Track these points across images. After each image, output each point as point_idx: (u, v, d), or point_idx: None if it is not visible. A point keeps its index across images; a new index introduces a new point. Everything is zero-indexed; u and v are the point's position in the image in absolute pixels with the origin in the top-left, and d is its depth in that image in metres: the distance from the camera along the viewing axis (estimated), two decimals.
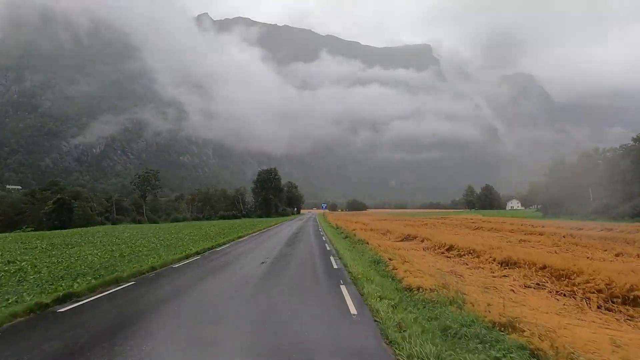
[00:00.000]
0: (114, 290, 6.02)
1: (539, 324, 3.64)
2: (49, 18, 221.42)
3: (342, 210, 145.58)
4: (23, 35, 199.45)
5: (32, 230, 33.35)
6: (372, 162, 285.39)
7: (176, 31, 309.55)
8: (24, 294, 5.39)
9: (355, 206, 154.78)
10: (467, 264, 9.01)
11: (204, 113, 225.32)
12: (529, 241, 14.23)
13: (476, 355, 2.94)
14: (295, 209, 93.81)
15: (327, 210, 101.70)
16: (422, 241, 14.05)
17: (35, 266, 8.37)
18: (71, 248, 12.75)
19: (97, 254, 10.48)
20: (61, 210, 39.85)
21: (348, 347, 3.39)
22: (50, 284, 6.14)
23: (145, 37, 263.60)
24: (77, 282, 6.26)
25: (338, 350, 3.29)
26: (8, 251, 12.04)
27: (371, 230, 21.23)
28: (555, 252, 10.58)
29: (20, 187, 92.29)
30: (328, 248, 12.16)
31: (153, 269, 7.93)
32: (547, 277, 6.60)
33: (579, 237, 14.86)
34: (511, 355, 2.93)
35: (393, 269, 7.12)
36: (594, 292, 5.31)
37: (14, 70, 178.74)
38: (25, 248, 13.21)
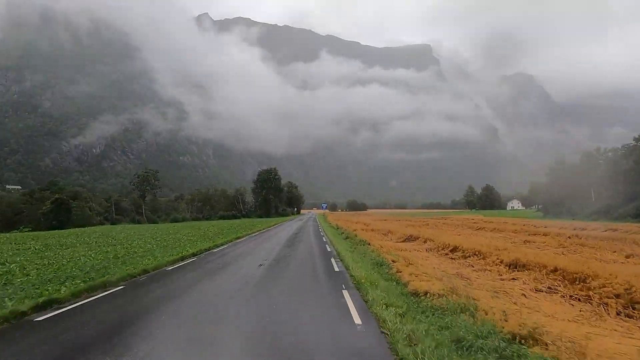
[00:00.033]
0: (100, 295, 5.65)
1: (562, 334, 3.32)
2: (49, 18, 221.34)
3: (342, 211, 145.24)
4: (23, 35, 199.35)
5: (29, 231, 33.06)
6: (372, 162, 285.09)
7: (176, 31, 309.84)
8: (6, 299, 5.07)
9: (356, 206, 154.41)
10: (473, 266, 8.69)
11: (204, 113, 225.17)
12: (533, 242, 13.93)
13: None
14: (295, 209, 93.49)
15: (327, 211, 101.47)
16: (425, 242, 13.73)
17: (25, 268, 8.06)
18: (65, 249, 12.44)
19: (91, 256, 10.17)
20: (59, 211, 39.56)
21: None
22: (37, 288, 5.83)
23: (145, 37, 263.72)
24: (65, 286, 5.95)
25: None
26: (0, 252, 11.76)
27: (372, 230, 20.92)
28: (563, 254, 10.28)
29: (20, 187, 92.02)
30: (329, 249, 11.83)
31: (145, 271, 7.60)
32: (559, 281, 6.28)
33: (584, 238, 14.55)
34: None
35: (397, 272, 6.79)
36: (611, 297, 4.99)
37: (14, 70, 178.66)
38: (18, 249, 12.90)
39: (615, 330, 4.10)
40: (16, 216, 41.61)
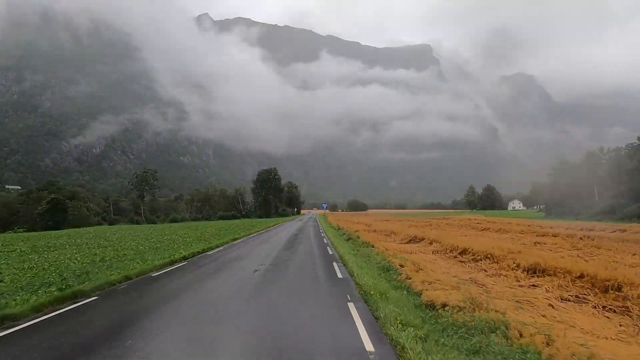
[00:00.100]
0: (64, 310, 4.82)
1: None
2: (49, 18, 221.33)
3: (342, 211, 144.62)
4: (23, 35, 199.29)
5: (24, 231, 32.47)
6: (372, 162, 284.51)
7: (176, 31, 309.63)
8: None
9: (356, 206, 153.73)
10: (486, 271, 8.06)
11: (204, 113, 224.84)
12: (544, 243, 13.27)
13: None
14: (295, 209, 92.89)
15: (327, 211, 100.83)
16: (431, 243, 13.10)
17: (0, 273, 7.44)
18: (52, 251, 11.84)
19: (77, 258, 9.55)
20: (55, 211, 38.97)
21: None
22: (3, 298, 5.20)
23: (146, 37, 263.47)
24: (37, 295, 5.32)
25: None
26: None
27: (374, 231, 20.31)
28: (579, 257, 9.66)
29: (20, 187, 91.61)
30: (330, 252, 11.14)
31: (128, 278, 6.90)
32: (588, 289, 5.64)
33: (597, 239, 13.89)
34: None
35: (407, 279, 6.13)
36: None
37: (14, 70, 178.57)
38: (3, 251, 12.28)
39: None
40: (12, 216, 41.05)
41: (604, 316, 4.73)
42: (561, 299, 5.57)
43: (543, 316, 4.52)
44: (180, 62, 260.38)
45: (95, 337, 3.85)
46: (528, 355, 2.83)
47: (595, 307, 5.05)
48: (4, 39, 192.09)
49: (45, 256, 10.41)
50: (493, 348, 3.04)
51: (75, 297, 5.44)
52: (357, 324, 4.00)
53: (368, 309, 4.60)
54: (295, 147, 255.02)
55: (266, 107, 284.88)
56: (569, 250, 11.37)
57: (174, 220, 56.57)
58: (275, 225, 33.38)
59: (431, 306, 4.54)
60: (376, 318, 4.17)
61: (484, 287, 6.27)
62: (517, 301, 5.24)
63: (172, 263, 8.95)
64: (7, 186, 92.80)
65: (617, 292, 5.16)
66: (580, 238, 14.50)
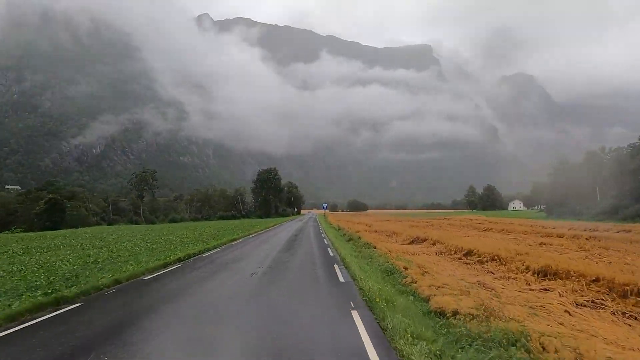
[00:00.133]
0: (43, 318, 4.44)
1: None
2: (49, 18, 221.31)
3: (342, 211, 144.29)
4: (23, 35, 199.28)
5: (21, 232, 32.16)
6: (373, 162, 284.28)
7: (176, 31, 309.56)
8: None
9: (356, 206, 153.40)
10: (493, 273, 7.74)
11: (204, 113, 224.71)
12: (550, 244, 12.95)
13: None
14: (295, 209, 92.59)
15: (327, 211, 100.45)
16: (434, 244, 12.78)
17: None
18: (45, 252, 11.52)
19: (69, 260, 9.23)
20: (52, 211, 38.65)
21: None
22: None
23: (146, 37, 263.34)
24: (20, 300, 5.00)
25: None
26: None
27: (375, 231, 20.00)
28: (587, 258, 9.34)
29: (20, 188, 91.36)
30: (331, 254, 10.78)
31: (117, 282, 6.54)
32: (604, 293, 5.32)
33: (604, 240, 13.57)
34: None
35: (412, 282, 5.80)
36: None
37: (14, 70, 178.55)
38: None
39: None
40: (10, 217, 40.73)
41: (625, 324, 4.41)
42: (576, 304, 5.25)
43: (561, 324, 4.20)
44: (180, 62, 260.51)
45: (68, 353, 3.40)
46: None
47: (614, 314, 4.73)
48: (4, 39, 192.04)
49: (37, 257, 10.10)
50: None
51: (57, 303, 5.08)
52: (362, 336, 3.64)
53: (373, 317, 4.24)
54: (295, 147, 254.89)
55: (266, 107, 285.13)
56: (577, 251, 11.05)
57: (174, 221, 56.27)
58: (275, 225, 33.03)
59: (441, 314, 4.21)
60: (383, 329, 3.80)
61: (494, 291, 5.95)
62: (531, 307, 4.93)
63: (165, 265, 8.59)
64: (6, 186, 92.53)
65: (637, 298, 4.84)
66: (586, 239, 14.18)
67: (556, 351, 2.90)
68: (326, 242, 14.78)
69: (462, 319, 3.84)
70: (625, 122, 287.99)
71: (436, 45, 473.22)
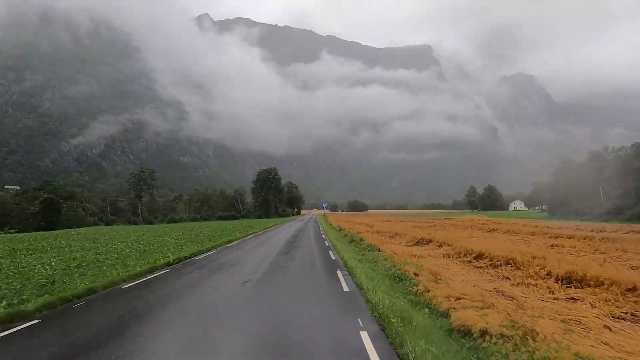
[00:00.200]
0: None
1: None
2: (49, 18, 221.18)
3: (342, 211, 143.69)
4: (23, 35, 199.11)
5: (15, 232, 31.55)
6: (373, 162, 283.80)
7: (176, 31, 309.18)
8: None
9: (356, 207, 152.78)
10: (509, 279, 7.11)
11: (204, 113, 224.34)
12: (562, 246, 12.32)
13: None
14: (295, 209, 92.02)
15: (327, 211, 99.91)
16: (440, 246, 12.15)
17: None
18: (30, 255, 10.90)
19: (52, 264, 8.61)
20: (48, 211, 38.04)
21: None
22: None
23: (146, 38, 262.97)
24: None
25: None
26: None
27: (377, 232, 19.39)
28: (606, 261, 8.71)
29: (19, 188, 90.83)
30: (333, 257, 10.10)
31: (92, 291, 5.79)
32: None
33: (620, 242, 12.93)
34: None
35: (425, 291, 5.14)
36: None
37: (14, 70, 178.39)
38: None
39: None
40: (5, 217, 40.13)
41: None
42: (612, 316, 4.62)
43: (605, 344, 3.57)
44: (180, 62, 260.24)
45: None
46: None
47: None
48: (4, 39, 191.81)
49: (18, 261, 9.48)
50: None
51: (11, 320, 4.27)
52: None
53: (388, 342, 3.46)
54: (295, 147, 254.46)
55: (266, 107, 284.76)
56: (592, 253, 10.44)
57: (172, 221, 55.71)
58: (274, 225, 32.40)
59: (466, 333, 3.53)
60: None
61: (515, 301, 5.32)
62: (563, 321, 4.29)
63: (151, 271, 7.88)
64: (6, 186, 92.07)
65: None
66: (599, 240, 13.56)
67: None
68: (327, 244, 14.15)
69: (493, 341, 3.18)
70: (626, 122, 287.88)
71: (436, 45, 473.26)
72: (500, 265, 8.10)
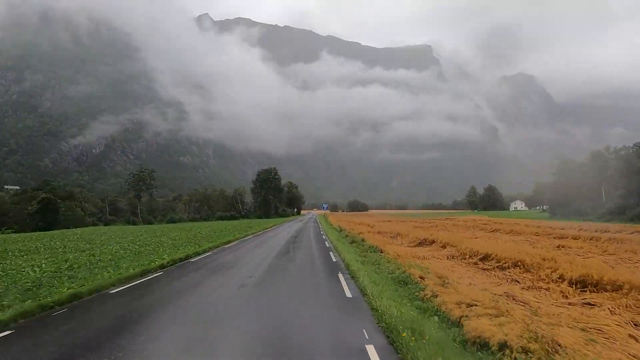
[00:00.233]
0: None
1: None
2: (49, 18, 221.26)
3: (342, 211, 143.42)
4: (23, 35, 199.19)
5: (11, 232, 31.25)
6: (373, 162, 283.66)
7: (176, 31, 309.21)
8: None
9: (356, 207, 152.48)
10: (518, 282, 6.79)
11: (204, 113, 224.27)
12: (568, 247, 11.99)
13: None
14: (295, 209, 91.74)
15: (328, 211, 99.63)
16: (444, 247, 11.83)
17: None
18: (21, 256, 10.59)
19: (42, 266, 8.30)
20: (46, 211, 37.75)
21: None
22: None
23: (146, 38, 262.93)
24: None
25: None
26: None
27: (378, 233, 19.08)
28: (618, 264, 8.39)
29: (19, 188, 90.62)
30: (334, 259, 9.76)
31: (76, 297, 5.39)
32: None
33: (628, 242, 12.60)
34: None
35: (433, 297, 4.80)
36: None
37: (14, 70, 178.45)
38: None
39: None
40: (3, 217, 39.85)
41: None
42: (634, 324, 4.30)
43: (634, 357, 3.26)
44: (180, 62, 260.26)
45: None
46: None
47: None
48: (4, 39, 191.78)
49: (7, 262, 9.17)
50: None
51: None
52: None
53: (399, 358, 3.10)
54: (295, 147, 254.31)
55: (266, 107, 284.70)
56: (601, 255, 10.12)
57: (172, 221, 55.42)
58: (274, 226, 32.10)
59: (483, 345, 3.20)
60: None
61: (527, 306, 5.00)
62: (583, 329, 3.97)
63: (143, 274, 7.52)
64: (6, 186, 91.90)
65: None
66: (606, 241, 13.24)
67: None
68: (327, 245, 13.84)
69: (513, 355, 2.85)
70: (626, 122, 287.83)
71: (436, 45, 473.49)
72: (508, 268, 7.78)
